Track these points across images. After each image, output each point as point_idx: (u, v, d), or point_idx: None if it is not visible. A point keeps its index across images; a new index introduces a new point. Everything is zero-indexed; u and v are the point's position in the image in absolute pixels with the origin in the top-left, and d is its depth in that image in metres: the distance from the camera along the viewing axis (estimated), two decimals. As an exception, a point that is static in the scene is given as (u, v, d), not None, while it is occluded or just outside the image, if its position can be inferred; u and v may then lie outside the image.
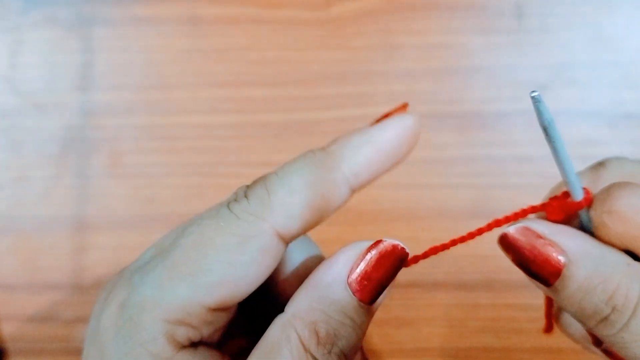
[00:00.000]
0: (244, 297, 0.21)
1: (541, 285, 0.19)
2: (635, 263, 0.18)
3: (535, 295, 0.41)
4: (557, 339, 0.42)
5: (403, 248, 0.20)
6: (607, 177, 0.21)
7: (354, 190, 0.22)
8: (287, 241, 0.21)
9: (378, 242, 0.20)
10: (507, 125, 0.43)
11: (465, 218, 0.41)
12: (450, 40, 0.44)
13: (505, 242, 0.19)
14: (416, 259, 0.21)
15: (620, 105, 0.42)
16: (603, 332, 0.18)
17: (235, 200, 0.21)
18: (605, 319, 0.18)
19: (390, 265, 0.20)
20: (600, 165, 0.22)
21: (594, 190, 0.20)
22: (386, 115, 0.22)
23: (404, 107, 0.22)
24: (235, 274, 0.20)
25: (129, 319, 0.20)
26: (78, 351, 0.44)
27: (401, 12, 0.44)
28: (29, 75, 0.46)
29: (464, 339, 0.41)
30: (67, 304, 0.44)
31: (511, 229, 0.19)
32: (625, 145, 0.42)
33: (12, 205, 0.45)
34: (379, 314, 0.44)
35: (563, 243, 0.19)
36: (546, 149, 0.43)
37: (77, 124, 0.45)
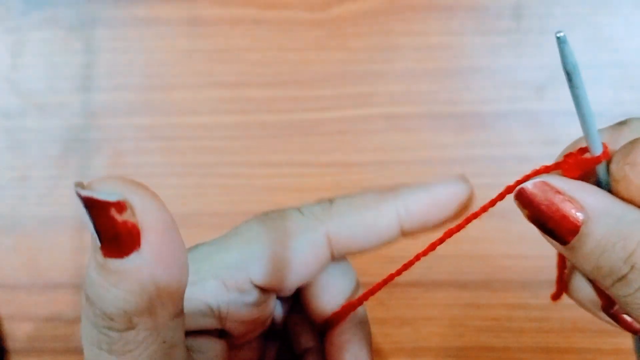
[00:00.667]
0: (285, 288, 0.23)
1: (557, 244, 0.19)
2: None
3: (535, 295, 0.42)
4: (556, 338, 0.42)
5: None
6: (629, 135, 0.21)
7: (403, 232, 0.23)
8: (334, 253, 0.23)
9: None
10: (507, 125, 0.43)
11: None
12: (450, 40, 0.44)
13: (522, 198, 0.19)
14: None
15: (620, 105, 0.42)
16: (619, 292, 0.18)
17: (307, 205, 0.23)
18: (623, 277, 0.17)
19: None
20: (623, 124, 0.22)
21: (615, 147, 0.19)
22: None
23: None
24: (285, 259, 0.22)
25: None
26: (79, 350, 0.44)
27: (401, 12, 0.44)
28: (30, 76, 0.46)
29: (463, 338, 0.41)
30: (69, 304, 0.44)
31: (529, 184, 0.19)
32: (625, 145, 0.42)
33: (13, 205, 0.45)
34: (379, 313, 0.44)
35: (582, 199, 0.18)
36: (546, 149, 0.43)
37: (78, 125, 0.45)
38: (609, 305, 0.21)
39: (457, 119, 0.43)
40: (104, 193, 0.17)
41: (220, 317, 0.22)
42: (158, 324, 0.17)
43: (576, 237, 0.18)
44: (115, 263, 0.16)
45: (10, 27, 0.46)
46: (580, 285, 0.22)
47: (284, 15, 0.45)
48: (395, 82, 0.44)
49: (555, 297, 0.24)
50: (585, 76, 0.44)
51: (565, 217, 0.18)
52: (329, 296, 0.23)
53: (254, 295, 0.22)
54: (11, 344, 0.44)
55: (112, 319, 0.17)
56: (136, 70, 0.45)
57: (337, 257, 0.23)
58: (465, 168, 0.42)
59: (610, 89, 0.42)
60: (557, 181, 0.19)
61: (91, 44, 0.46)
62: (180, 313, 0.18)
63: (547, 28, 0.43)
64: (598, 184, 0.19)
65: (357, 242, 0.23)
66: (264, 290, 0.22)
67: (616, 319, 0.21)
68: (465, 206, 0.23)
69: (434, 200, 0.23)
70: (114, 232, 0.16)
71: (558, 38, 0.17)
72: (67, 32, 0.46)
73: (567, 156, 0.20)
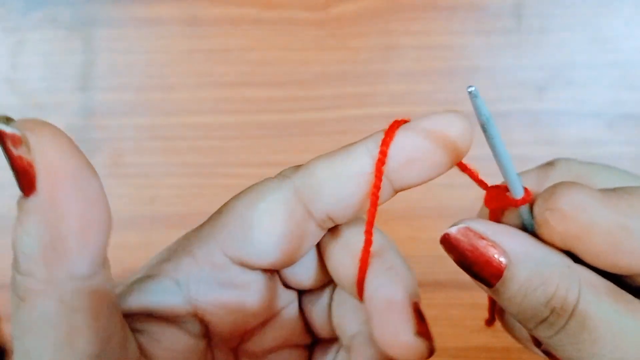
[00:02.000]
0: (263, 254, 0.20)
1: (483, 286, 0.19)
2: (576, 265, 0.18)
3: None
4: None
5: None
6: (555, 177, 0.21)
7: (390, 180, 0.20)
8: (314, 214, 0.20)
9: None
10: (507, 125, 0.43)
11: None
12: (450, 40, 0.44)
13: (447, 243, 0.19)
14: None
15: (619, 105, 0.42)
16: (542, 333, 0.18)
17: (281, 173, 0.21)
18: (544, 320, 0.18)
19: None
20: (549, 164, 0.22)
21: (540, 189, 0.20)
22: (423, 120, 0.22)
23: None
24: (253, 222, 0.20)
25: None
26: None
27: (401, 12, 0.44)
28: (30, 76, 0.46)
29: (463, 338, 0.41)
30: (68, 304, 0.44)
31: (453, 230, 0.19)
32: (624, 145, 0.42)
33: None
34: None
35: (504, 243, 0.18)
36: (546, 149, 0.43)
37: (78, 124, 0.45)
38: (539, 342, 0.21)
39: (457, 119, 0.43)
40: (8, 127, 0.17)
41: (190, 297, 0.20)
42: (52, 278, 0.16)
43: (500, 281, 0.18)
44: (21, 201, 0.17)
45: (10, 27, 0.46)
46: (514, 321, 0.22)
47: (284, 15, 0.45)
48: (395, 82, 0.44)
49: (488, 323, 0.25)
50: (585, 76, 0.45)
51: (488, 262, 0.18)
52: (340, 261, 0.21)
53: (230, 273, 0.20)
54: (10, 344, 0.44)
55: (16, 260, 0.17)
56: (136, 70, 0.45)
57: (322, 219, 0.20)
58: (465, 168, 0.42)
59: (610, 89, 0.42)
60: (479, 226, 0.19)
61: (91, 43, 0.46)
62: (85, 278, 0.17)
63: (547, 28, 0.43)
64: (523, 225, 0.20)
65: (331, 193, 0.20)
66: (242, 265, 0.20)
67: (547, 354, 0.21)
68: (460, 148, 0.21)
69: (415, 135, 0.20)
70: (12, 165, 0.16)
71: (470, 92, 0.17)
72: (66, 32, 0.46)
73: (492, 188, 0.21)
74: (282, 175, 0.20)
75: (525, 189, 0.19)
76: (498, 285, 0.18)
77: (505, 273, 0.18)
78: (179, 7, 0.46)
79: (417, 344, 0.20)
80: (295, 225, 0.20)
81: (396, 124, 0.20)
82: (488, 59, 0.43)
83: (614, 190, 0.18)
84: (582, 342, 0.17)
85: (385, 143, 0.20)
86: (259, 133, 0.44)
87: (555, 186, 0.18)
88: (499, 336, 0.42)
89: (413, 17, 0.44)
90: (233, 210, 0.21)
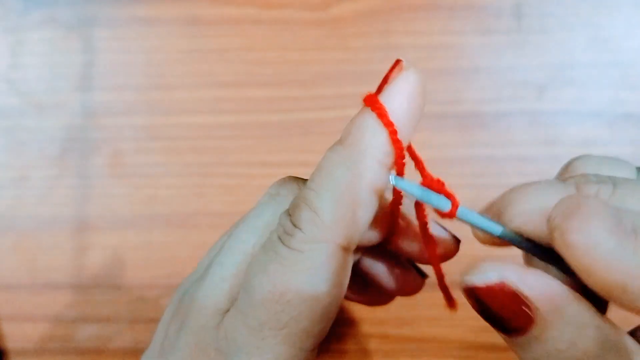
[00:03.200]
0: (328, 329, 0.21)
1: (501, 334, 0.18)
2: (605, 325, 0.17)
3: (534, 295, 0.42)
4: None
5: None
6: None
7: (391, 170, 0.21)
8: (352, 249, 0.20)
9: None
10: (507, 125, 0.43)
11: (465, 218, 0.41)
12: (450, 40, 0.44)
13: (473, 296, 0.17)
14: None
15: (620, 105, 0.42)
16: None
17: (287, 233, 0.20)
18: None
19: None
20: (565, 168, 0.22)
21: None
22: (385, 81, 0.20)
23: (398, 64, 0.20)
24: (318, 306, 0.20)
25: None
26: (78, 351, 0.44)
27: (400, 12, 0.44)
28: (29, 76, 0.46)
29: (463, 338, 0.41)
30: (68, 304, 0.44)
31: (479, 280, 0.17)
32: (625, 145, 0.42)
33: (12, 205, 0.45)
34: (379, 314, 0.44)
35: (536, 300, 0.17)
36: (546, 149, 0.43)
37: (78, 124, 0.45)
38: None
39: (458, 118, 0.43)
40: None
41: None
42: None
43: (524, 337, 0.17)
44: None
45: (9, 27, 0.46)
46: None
47: (284, 15, 0.45)
48: (395, 82, 0.44)
49: (450, 305, 0.24)
50: (585, 76, 0.45)
51: (516, 318, 0.17)
52: None
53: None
54: (10, 344, 0.44)
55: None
56: (135, 70, 0.45)
57: (355, 247, 0.21)
58: (465, 168, 0.42)
59: (610, 89, 0.42)
60: (512, 275, 0.17)
61: (91, 43, 0.46)
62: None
63: (547, 28, 0.43)
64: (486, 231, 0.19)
65: (363, 222, 0.20)
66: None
67: None
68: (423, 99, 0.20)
69: (398, 123, 0.20)
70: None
71: (393, 181, 0.19)
72: (66, 31, 0.46)
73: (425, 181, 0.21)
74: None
75: (452, 200, 0.20)
76: (521, 339, 0.17)
77: (531, 331, 0.17)
78: (179, 7, 0.45)
79: None
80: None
81: (372, 105, 0.20)
82: (488, 59, 0.43)
83: (635, 230, 0.16)
84: None
85: (398, 152, 0.20)
86: (259, 133, 0.44)
87: (571, 205, 0.17)
88: (499, 336, 0.42)
89: (412, 17, 0.44)
90: None
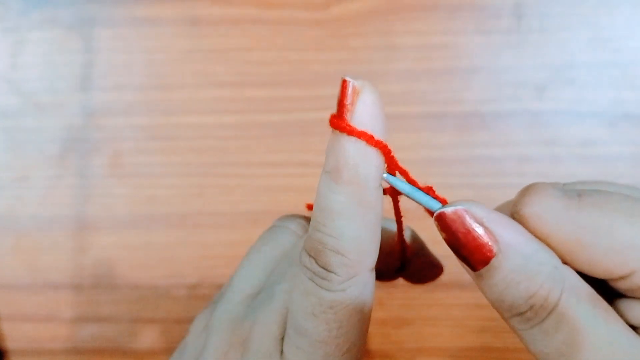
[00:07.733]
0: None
1: (466, 268, 0.19)
2: (563, 266, 0.18)
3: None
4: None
5: None
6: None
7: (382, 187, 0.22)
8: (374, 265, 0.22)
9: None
10: (507, 125, 0.43)
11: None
12: (450, 40, 0.44)
13: (442, 221, 0.19)
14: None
15: (620, 105, 0.42)
16: (516, 325, 0.19)
17: (321, 277, 0.20)
18: (521, 314, 0.18)
19: None
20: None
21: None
22: (342, 104, 0.22)
23: (346, 85, 0.22)
24: (365, 324, 0.21)
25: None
26: (78, 351, 0.44)
27: (400, 12, 0.44)
28: (29, 76, 0.46)
29: (463, 338, 0.41)
30: (68, 304, 0.44)
31: (449, 209, 0.19)
32: (624, 145, 0.42)
33: (12, 205, 0.45)
34: (379, 314, 0.44)
35: (498, 232, 0.18)
36: (546, 149, 0.43)
37: (78, 124, 0.45)
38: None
39: (457, 118, 0.43)
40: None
41: None
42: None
43: (485, 268, 0.19)
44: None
45: (9, 26, 0.46)
46: None
47: (284, 15, 0.45)
48: (395, 82, 0.44)
49: (400, 270, 0.26)
50: (585, 76, 0.45)
51: (478, 248, 0.19)
52: None
53: None
54: (10, 344, 0.44)
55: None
56: (135, 70, 0.45)
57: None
58: (465, 168, 0.42)
59: (610, 89, 0.42)
60: (478, 210, 0.19)
61: (90, 43, 0.46)
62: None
63: (547, 28, 0.43)
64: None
65: (378, 244, 0.21)
66: None
67: None
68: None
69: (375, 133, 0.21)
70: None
71: (386, 179, 0.21)
72: (66, 31, 0.46)
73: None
74: None
75: (442, 201, 0.21)
76: (483, 270, 0.19)
77: (492, 261, 0.18)
78: (178, 7, 0.46)
79: None
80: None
81: (349, 131, 0.21)
82: (488, 59, 0.43)
83: (580, 194, 0.18)
84: (553, 341, 0.18)
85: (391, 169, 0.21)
86: (259, 133, 0.44)
87: (525, 189, 0.19)
88: (499, 336, 0.42)
89: (412, 17, 0.44)
90: None
